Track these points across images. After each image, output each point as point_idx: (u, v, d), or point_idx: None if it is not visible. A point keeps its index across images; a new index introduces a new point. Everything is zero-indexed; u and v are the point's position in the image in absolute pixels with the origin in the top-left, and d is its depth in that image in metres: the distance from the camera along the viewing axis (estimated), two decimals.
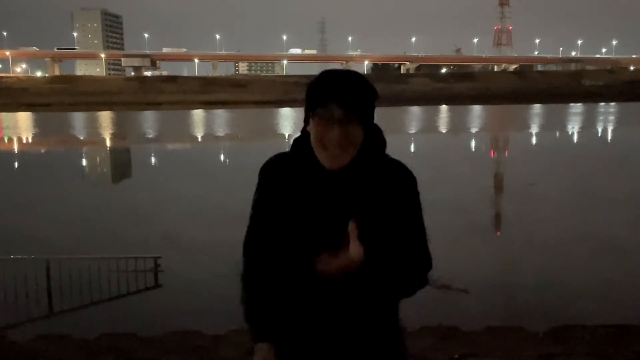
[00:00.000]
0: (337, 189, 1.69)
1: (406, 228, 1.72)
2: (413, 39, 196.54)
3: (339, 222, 1.67)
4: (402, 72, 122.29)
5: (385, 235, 1.69)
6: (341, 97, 1.60)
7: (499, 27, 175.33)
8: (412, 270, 1.76)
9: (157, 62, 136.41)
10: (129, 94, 76.62)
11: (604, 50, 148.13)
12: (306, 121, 1.70)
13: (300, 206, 1.70)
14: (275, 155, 1.79)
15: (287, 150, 1.80)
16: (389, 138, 1.77)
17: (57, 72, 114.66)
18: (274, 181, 1.75)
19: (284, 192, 1.72)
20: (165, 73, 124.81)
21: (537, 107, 54.48)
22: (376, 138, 1.74)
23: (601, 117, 39.11)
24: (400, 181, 1.71)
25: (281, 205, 1.73)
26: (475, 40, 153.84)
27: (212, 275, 6.57)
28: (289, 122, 37.37)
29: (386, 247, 1.70)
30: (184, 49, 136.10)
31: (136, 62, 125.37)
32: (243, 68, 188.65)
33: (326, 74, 1.66)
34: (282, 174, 1.74)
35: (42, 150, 23.75)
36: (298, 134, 1.78)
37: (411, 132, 29.24)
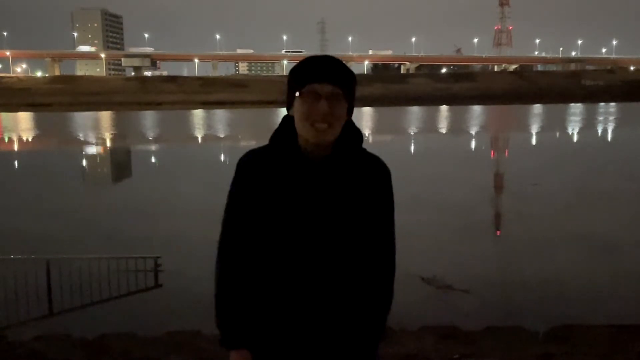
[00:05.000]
0: (319, 179, 1.70)
1: (377, 221, 1.75)
2: (413, 39, 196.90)
3: (318, 212, 1.69)
4: (402, 72, 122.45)
5: (359, 228, 1.71)
6: (328, 74, 1.66)
7: (499, 27, 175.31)
8: (382, 281, 1.77)
9: (157, 62, 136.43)
10: (129, 94, 76.64)
11: (604, 50, 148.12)
12: (289, 105, 1.72)
13: (279, 197, 1.70)
14: (253, 149, 1.79)
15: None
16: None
17: (57, 72, 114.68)
18: (254, 174, 1.74)
19: (262, 185, 1.72)
20: (165, 73, 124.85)
21: (537, 107, 54.47)
22: (353, 131, 1.77)
23: (601, 118, 39.10)
24: (375, 174, 1.75)
25: (259, 198, 1.72)
26: (475, 40, 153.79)
27: (212, 275, 6.56)
28: None
29: (358, 245, 1.72)
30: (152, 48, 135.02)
31: (136, 62, 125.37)
32: (243, 68, 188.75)
33: (310, 58, 1.72)
34: (260, 166, 1.73)
35: (42, 150, 23.74)
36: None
37: (412, 133, 29.23)
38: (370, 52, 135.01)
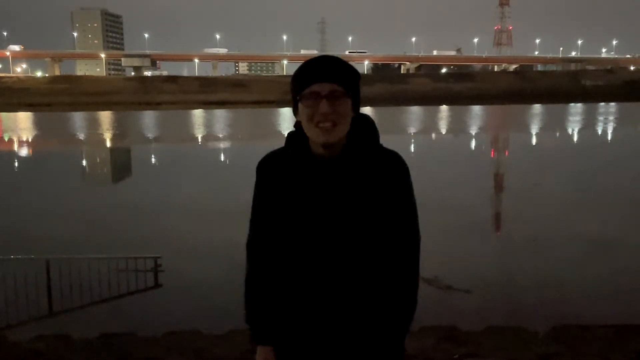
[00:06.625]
0: (333, 179, 1.70)
1: (395, 217, 1.73)
2: (413, 39, 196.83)
3: (336, 211, 1.69)
4: (402, 72, 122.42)
5: (379, 226, 1.71)
6: (324, 74, 1.66)
7: (499, 27, 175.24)
8: (408, 276, 1.76)
9: (157, 62, 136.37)
10: (129, 94, 76.63)
11: (603, 50, 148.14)
12: (295, 110, 1.73)
13: (297, 198, 1.72)
14: (271, 152, 1.82)
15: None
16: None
17: (57, 72, 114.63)
18: (271, 176, 1.77)
19: (281, 187, 1.74)
20: (165, 73, 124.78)
21: (537, 107, 54.49)
22: (369, 128, 1.77)
23: (601, 118, 39.10)
24: (391, 170, 1.73)
25: (279, 200, 1.74)
26: (476, 40, 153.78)
27: (212, 275, 6.58)
28: (288, 122, 37.39)
29: (376, 242, 1.71)
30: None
31: (136, 62, 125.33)
32: (243, 68, 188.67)
33: (307, 61, 1.72)
34: (279, 168, 1.76)
35: (42, 150, 23.75)
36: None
37: (412, 133, 29.24)
38: (435, 52, 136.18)
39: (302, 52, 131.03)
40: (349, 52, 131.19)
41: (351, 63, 1.77)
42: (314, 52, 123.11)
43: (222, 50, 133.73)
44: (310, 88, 1.66)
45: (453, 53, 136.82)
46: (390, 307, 1.72)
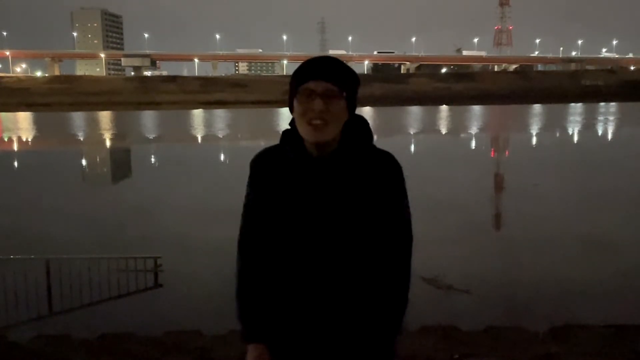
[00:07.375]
0: (325, 178, 1.71)
1: (387, 215, 1.73)
2: (413, 39, 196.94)
3: (327, 210, 1.69)
4: (402, 72, 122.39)
5: (371, 224, 1.71)
6: (321, 73, 1.67)
7: (499, 27, 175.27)
8: (398, 275, 1.76)
9: (157, 62, 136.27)
10: (129, 94, 76.57)
11: (604, 50, 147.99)
12: (291, 107, 1.73)
13: (289, 196, 1.72)
14: (265, 148, 1.82)
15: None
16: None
17: (57, 72, 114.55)
18: (264, 173, 1.77)
19: (274, 184, 1.75)
20: (165, 73, 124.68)
21: (537, 107, 54.47)
22: (363, 129, 1.77)
23: (601, 117, 39.09)
24: (383, 169, 1.73)
25: (271, 196, 1.75)
26: (476, 40, 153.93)
27: (213, 275, 6.57)
28: (288, 122, 37.30)
29: (367, 239, 1.72)
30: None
31: (136, 62, 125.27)
32: (243, 68, 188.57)
33: (308, 60, 1.73)
34: (272, 165, 1.77)
35: (42, 150, 23.74)
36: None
37: (413, 133, 29.24)
38: (464, 52, 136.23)
39: (330, 52, 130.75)
40: (377, 52, 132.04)
41: (351, 63, 1.77)
42: (342, 52, 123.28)
43: (258, 50, 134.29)
44: (306, 85, 1.67)
45: (484, 54, 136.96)
46: (380, 306, 1.72)
